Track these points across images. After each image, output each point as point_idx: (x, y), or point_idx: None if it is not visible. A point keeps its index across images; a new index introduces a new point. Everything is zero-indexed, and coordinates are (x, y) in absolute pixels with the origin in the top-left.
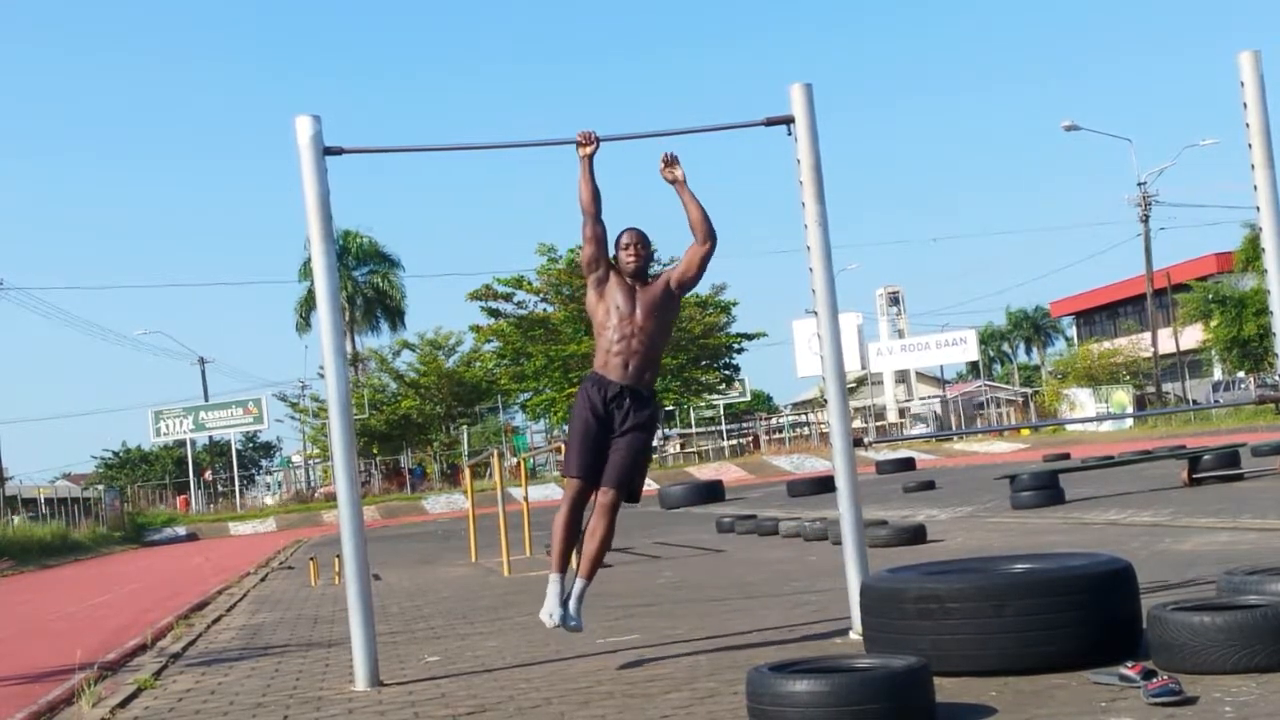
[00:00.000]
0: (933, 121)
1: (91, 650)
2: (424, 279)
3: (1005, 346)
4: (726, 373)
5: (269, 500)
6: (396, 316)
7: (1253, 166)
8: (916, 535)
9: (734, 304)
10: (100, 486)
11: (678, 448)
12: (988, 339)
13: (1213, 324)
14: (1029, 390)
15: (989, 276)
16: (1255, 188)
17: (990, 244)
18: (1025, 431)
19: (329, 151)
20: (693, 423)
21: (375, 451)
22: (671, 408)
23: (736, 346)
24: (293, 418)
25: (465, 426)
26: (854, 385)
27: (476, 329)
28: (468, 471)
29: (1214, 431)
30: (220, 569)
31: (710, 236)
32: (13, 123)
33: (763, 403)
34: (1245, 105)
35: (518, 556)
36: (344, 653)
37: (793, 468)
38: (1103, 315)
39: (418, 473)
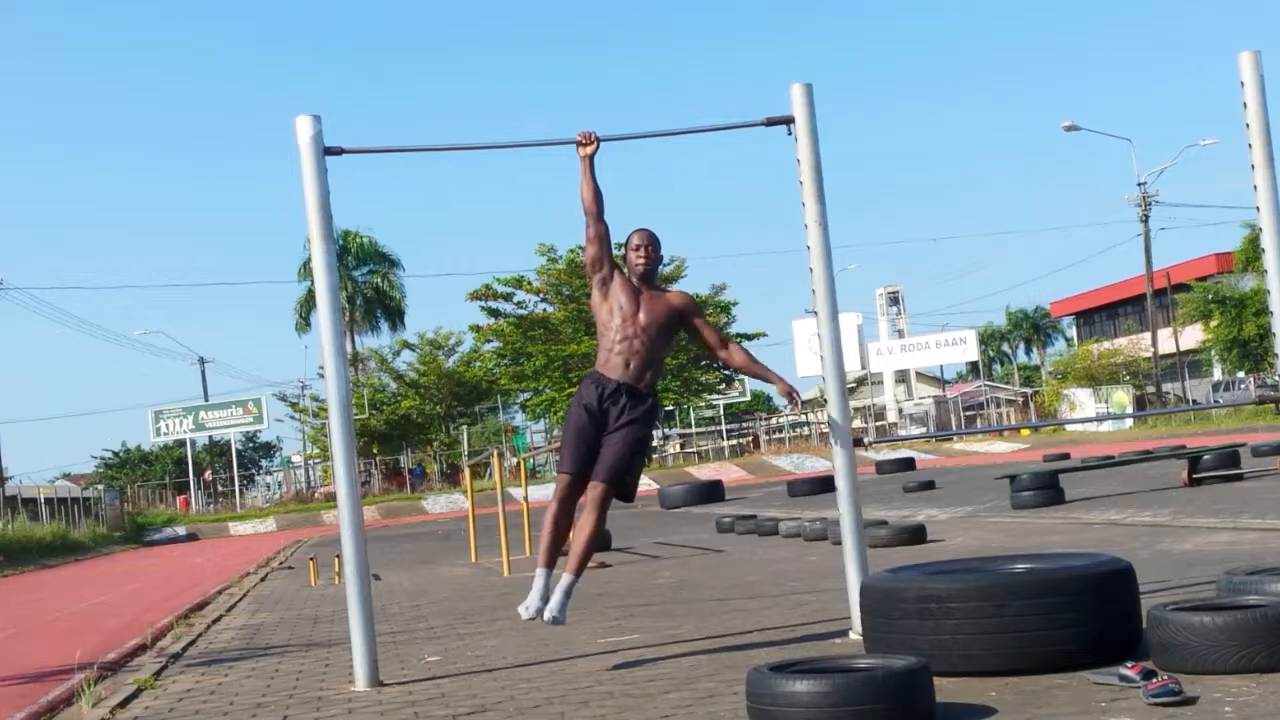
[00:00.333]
0: (933, 122)
1: (91, 650)
2: (424, 279)
3: (1005, 346)
4: (726, 372)
5: (260, 503)
6: (396, 316)
7: (1253, 166)
8: (916, 535)
9: (734, 304)
10: (100, 486)
11: (678, 448)
12: (988, 339)
13: (1213, 324)
14: (1029, 390)
15: (989, 276)
16: (1255, 188)
17: (990, 244)
18: (1025, 431)
19: (329, 151)
20: (692, 423)
21: (375, 451)
22: (671, 408)
23: None
24: (293, 418)
25: (465, 426)
26: (854, 385)
27: (476, 329)
28: (468, 471)
29: (1214, 431)
30: (220, 569)
31: (730, 363)
32: (13, 122)
33: (763, 403)
34: (1245, 105)
35: (518, 556)
36: (344, 653)
37: (793, 468)
38: (1103, 315)
39: (418, 473)
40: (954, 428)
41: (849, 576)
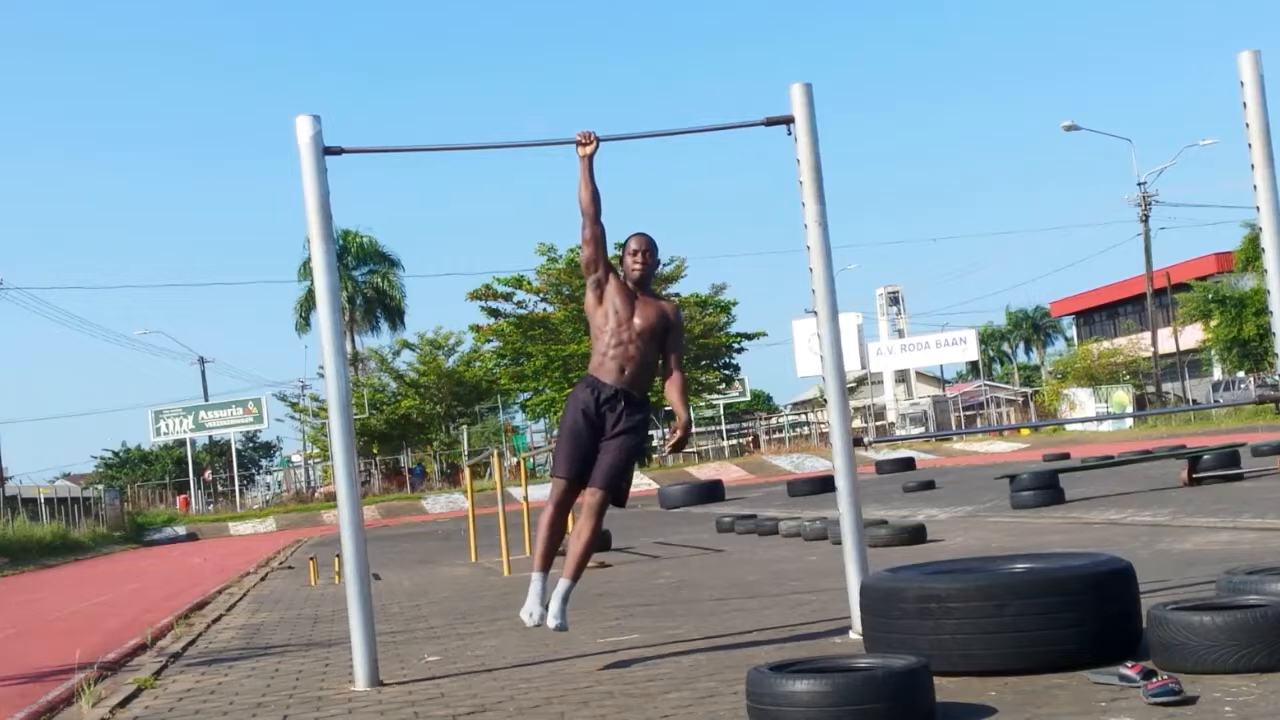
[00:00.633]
0: (933, 122)
1: (91, 650)
2: (424, 279)
3: (1005, 346)
4: (726, 372)
5: (260, 503)
6: (396, 316)
7: (1253, 166)
8: (916, 535)
9: (734, 304)
10: (100, 486)
11: None
12: (988, 339)
13: (1213, 324)
14: (1029, 390)
15: (989, 276)
16: (1255, 188)
17: (990, 244)
18: (1025, 431)
19: (329, 151)
20: (693, 423)
21: (375, 451)
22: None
23: (736, 346)
24: (293, 418)
25: (465, 426)
26: (854, 385)
27: (476, 329)
28: (468, 471)
29: (1214, 431)
30: (220, 569)
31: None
32: (13, 122)
33: (763, 403)
34: (1245, 105)
35: (518, 556)
36: (344, 652)
37: (793, 467)
38: (1103, 315)
39: (418, 472)
40: (952, 427)
41: (849, 576)
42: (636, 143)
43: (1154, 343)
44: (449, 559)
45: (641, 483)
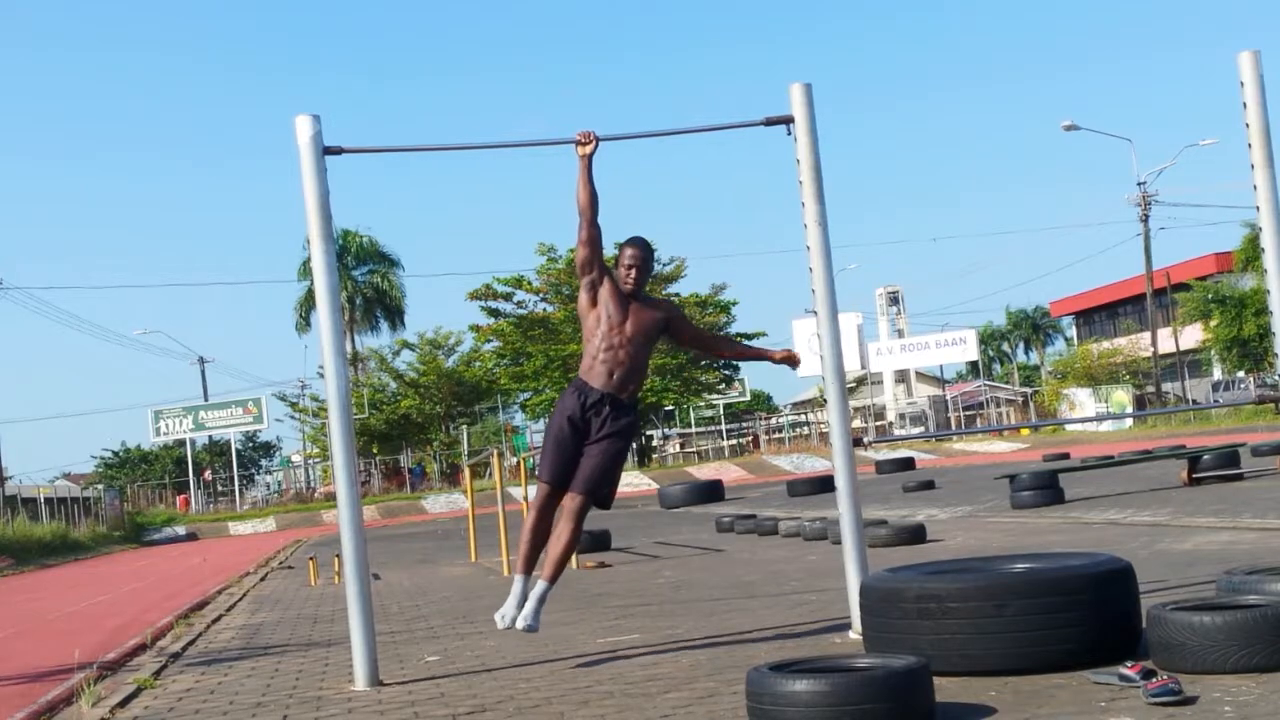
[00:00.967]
0: (933, 121)
1: (91, 650)
2: (424, 279)
3: (1005, 346)
4: (726, 372)
5: (259, 504)
6: (396, 316)
7: (1253, 166)
8: (916, 535)
9: (734, 304)
10: (100, 486)
11: (677, 447)
12: (987, 339)
13: (1212, 324)
14: (1029, 390)
15: (989, 276)
16: (1255, 188)
17: (990, 244)
18: (1025, 431)
19: (329, 151)
20: (692, 422)
21: (375, 451)
22: (671, 408)
23: None
24: (293, 417)
25: (465, 426)
26: (854, 385)
27: (476, 329)
28: (467, 471)
29: (1214, 431)
30: (220, 569)
31: (722, 355)
32: (12, 122)
33: (762, 402)
34: (1245, 105)
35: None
36: (344, 652)
37: (792, 467)
38: (1102, 315)
39: (417, 472)
40: (952, 427)
41: (849, 576)
42: (636, 142)
43: (1154, 343)
44: (449, 559)
45: (641, 483)
